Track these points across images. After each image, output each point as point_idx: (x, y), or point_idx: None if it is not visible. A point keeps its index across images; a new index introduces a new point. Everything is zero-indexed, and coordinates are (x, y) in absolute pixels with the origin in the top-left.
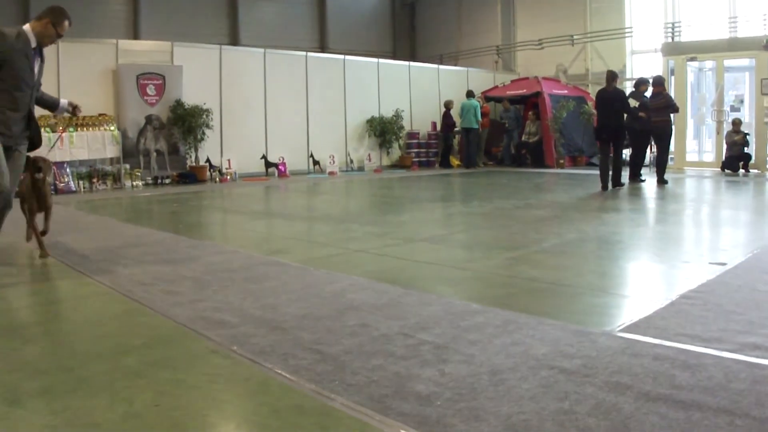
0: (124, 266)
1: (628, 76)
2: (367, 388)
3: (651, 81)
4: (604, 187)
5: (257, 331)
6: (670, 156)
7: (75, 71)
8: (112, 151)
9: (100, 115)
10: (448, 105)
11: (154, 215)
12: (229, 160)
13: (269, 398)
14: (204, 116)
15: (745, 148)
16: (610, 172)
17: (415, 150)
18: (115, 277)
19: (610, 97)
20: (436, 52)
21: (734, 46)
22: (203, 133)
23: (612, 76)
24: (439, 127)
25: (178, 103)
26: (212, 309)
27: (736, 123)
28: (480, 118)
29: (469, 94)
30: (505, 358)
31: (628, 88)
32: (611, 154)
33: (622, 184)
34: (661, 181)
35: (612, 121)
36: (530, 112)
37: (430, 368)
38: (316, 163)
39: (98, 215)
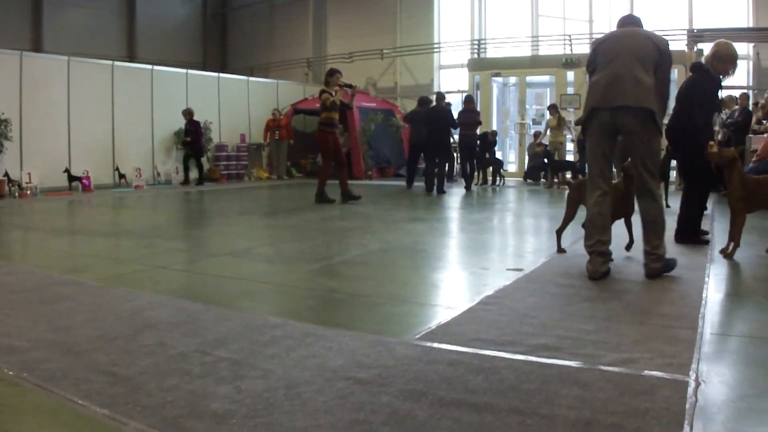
0: None
1: (435, 90)
2: (161, 410)
3: (463, 98)
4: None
5: (49, 355)
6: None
7: None
8: None
9: None
10: (188, 113)
11: None
12: (29, 174)
13: (59, 427)
14: (2, 127)
15: (546, 160)
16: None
17: (224, 163)
18: None
19: (441, 114)
20: (247, 63)
21: (536, 63)
22: (1, 145)
23: (441, 96)
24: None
25: None
26: (1, 334)
27: (537, 135)
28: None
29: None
30: (302, 372)
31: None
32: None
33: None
34: (469, 187)
35: (441, 136)
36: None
37: (227, 385)
38: (122, 176)
39: None
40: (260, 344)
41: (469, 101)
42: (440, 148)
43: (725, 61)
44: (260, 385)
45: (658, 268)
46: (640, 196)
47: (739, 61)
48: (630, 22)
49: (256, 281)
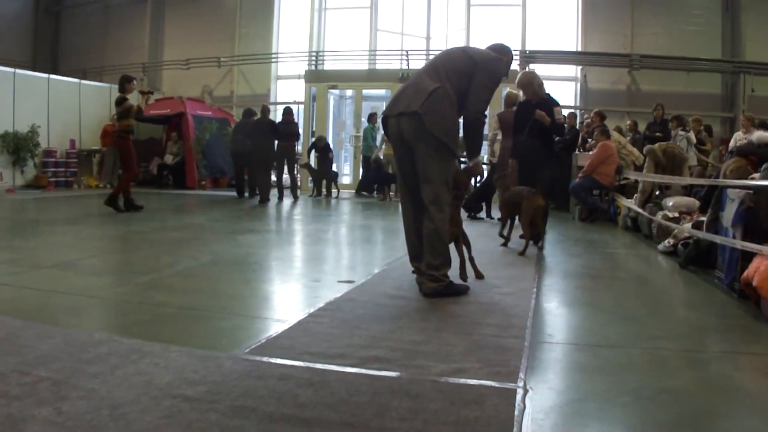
0: None
1: (272, 100)
2: None
3: (284, 110)
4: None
5: None
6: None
7: None
8: None
9: None
10: None
11: None
12: None
13: None
14: None
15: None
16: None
17: (53, 169)
18: None
19: (265, 126)
20: (80, 65)
21: (373, 77)
22: None
23: (266, 109)
24: None
25: None
26: None
27: (374, 148)
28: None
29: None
30: (127, 390)
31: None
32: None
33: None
34: (294, 197)
35: (267, 147)
36: (173, 133)
37: (47, 407)
38: None
39: None
40: (83, 362)
41: (287, 113)
42: (266, 159)
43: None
44: (83, 406)
45: (433, 287)
46: (423, 212)
47: (535, 82)
48: (488, 46)
49: (81, 295)
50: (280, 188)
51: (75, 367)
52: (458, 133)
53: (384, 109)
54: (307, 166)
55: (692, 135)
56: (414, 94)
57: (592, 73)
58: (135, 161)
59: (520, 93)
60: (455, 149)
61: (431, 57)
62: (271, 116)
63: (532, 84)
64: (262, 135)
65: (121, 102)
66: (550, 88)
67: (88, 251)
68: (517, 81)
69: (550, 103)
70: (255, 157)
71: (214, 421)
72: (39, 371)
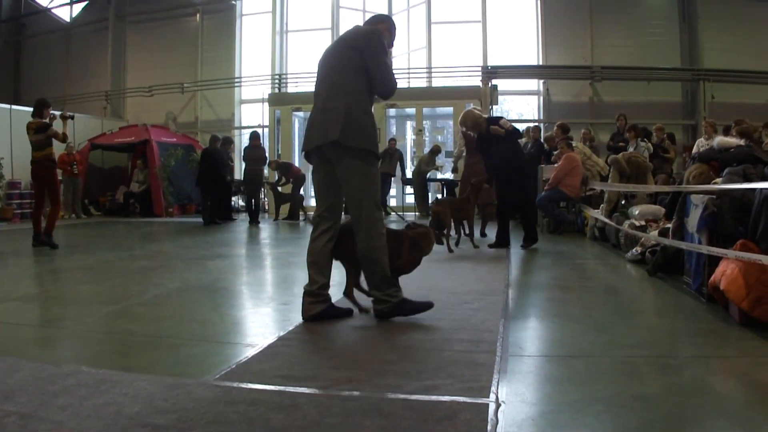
0: None
1: (236, 124)
2: None
3: (250, 135)
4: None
5: None
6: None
7: None
8: None
9: None
10: None
11: None
12: None
13: None
14: None
15: None
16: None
17: (17, 201)
18: None
19: (217, 154)
20: (42, 95)
21: None
22: None
23: (214, 138)
24: None
25: None
26: None
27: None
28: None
29: None
30: (96, 421)
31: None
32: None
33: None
34: (255, 222)
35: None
36: (138, 161)
37: None
38: None
39: None
40: (51, 395)
41: (254, 138)
42: (219, 184)
43: None
44: None
45: (381, 309)
46: (356, 233)
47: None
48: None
49: (48, 327)
50: (249, 212)
51: (43, 400)
52: (377, 135)
53: (304, 140)
54: (272, 186)
55: (650, 145)
56: (323, 121)
57: (555, 86)
58: (59, 191)
59: (464, 129)
60: (377, 152)
61: (321, 58)
62: (237, 140)
63: (467, 121)
64: (215, 162)
65: (45, 128)
66: (513, 103)
67: (54, 282)
68: (459, 123)
69: (494, 121)
70: (203, 185)
71: None
72: (6, 405)
